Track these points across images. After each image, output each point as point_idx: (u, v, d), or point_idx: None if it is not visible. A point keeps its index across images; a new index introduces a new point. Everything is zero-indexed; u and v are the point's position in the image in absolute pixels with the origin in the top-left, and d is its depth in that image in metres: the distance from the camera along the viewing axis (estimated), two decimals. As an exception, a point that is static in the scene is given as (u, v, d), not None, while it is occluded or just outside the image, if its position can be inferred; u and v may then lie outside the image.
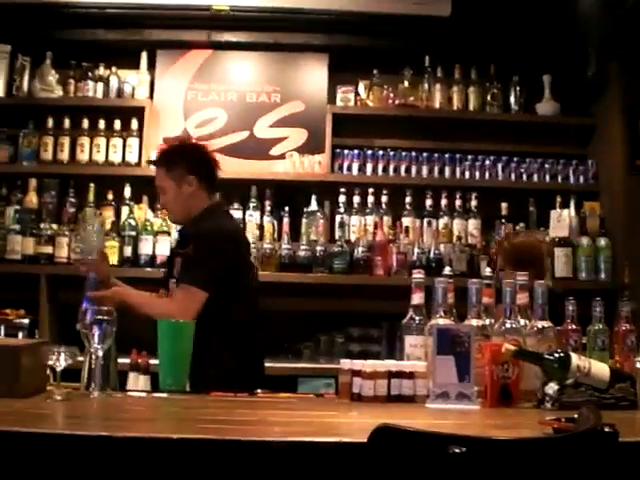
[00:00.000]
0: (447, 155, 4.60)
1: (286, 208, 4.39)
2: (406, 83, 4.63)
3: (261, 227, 4.35)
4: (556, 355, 2.25)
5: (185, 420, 1.96)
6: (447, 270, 2.53)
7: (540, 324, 2.39)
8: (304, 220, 4.40)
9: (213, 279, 2.90)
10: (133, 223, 4.30)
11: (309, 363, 4.24)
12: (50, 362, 2.20)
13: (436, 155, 4.58)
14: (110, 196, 4.41)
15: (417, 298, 2.45)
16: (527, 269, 2.63)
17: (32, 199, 4.42)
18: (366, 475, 1.38)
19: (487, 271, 2.47)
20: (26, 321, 3.96)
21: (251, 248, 3.55)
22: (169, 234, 4.24)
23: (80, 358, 2.30)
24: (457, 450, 1.33)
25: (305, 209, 4.43)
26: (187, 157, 3.17)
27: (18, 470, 1.64)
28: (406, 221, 4.44)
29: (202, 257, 2.95)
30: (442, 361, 2.24)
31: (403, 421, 1.90)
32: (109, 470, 1.60)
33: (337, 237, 4.36)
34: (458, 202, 4.49)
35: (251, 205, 4.38)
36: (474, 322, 2.35)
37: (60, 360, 2.18)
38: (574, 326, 2.51)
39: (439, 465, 1.37)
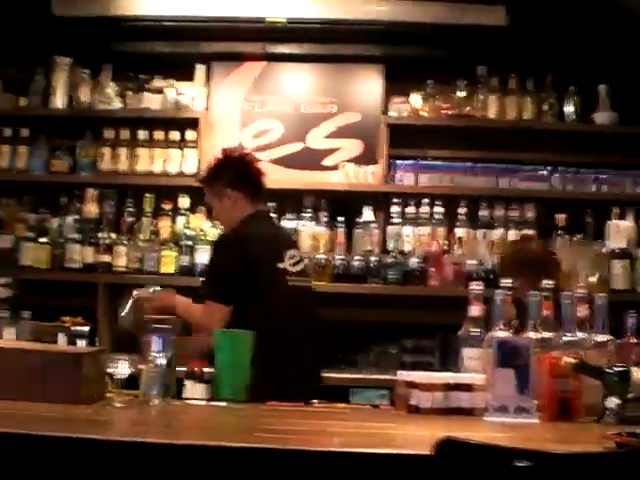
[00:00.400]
0: (502, 165, 4.56)
1: (340, 219, 4.40)
2: (461, 93, 4.60)
3: (315, 238, 4.36)
4: (616, 369, 2.21)
5: (244, 429, 1.97)
6: (506, 282, 2.50)
7: (600, 337, 2.36)
8: (358, 231, 4.40)
9: (222, 288, 3.09)
10: (189, 233, 4.35)
11: (362, 374, 4.23)
12: (110, 370, 2.24)
13: (491, 165, 4.54)
14: (167, 206, 4.48)
15: (475, 310, 2.44)
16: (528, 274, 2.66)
17: (91, 209, 4.50)
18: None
19: (546, 283, 2.43)
20: (86, 329, 4.02)
21: (287, 254, 3.33)
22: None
23: (140, 366, 2.33)
24: (522, 464, 1.32)
25: (359, 220, 4.43)
26: (225, 172, 3.34)
27: (80, 477, 1.67)
28: (460, 232, 4.41)
29: (208, 268, 3.38)
30: (501, 374, 2.22)
31: (463, 434, 1.90)
32: (170, 477, 1.62)
33: (391, 248, 4.35)
34: (513, 213, 4.45)
35: (305, 216, 4.40)
36: (533, 335, 2.33)
37: (120, 368, 2.22)
38: (635, 339, 2.47)
39: (503, 479, 1.35)
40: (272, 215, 4.00)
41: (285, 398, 2.48)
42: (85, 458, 1.67)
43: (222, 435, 1.90)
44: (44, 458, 1.68)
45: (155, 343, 2.28)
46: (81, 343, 3.10)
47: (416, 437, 1.55)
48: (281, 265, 3.17)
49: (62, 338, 3.12)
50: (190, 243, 4.33)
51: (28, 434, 1.69)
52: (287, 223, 4.34)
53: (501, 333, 2.33)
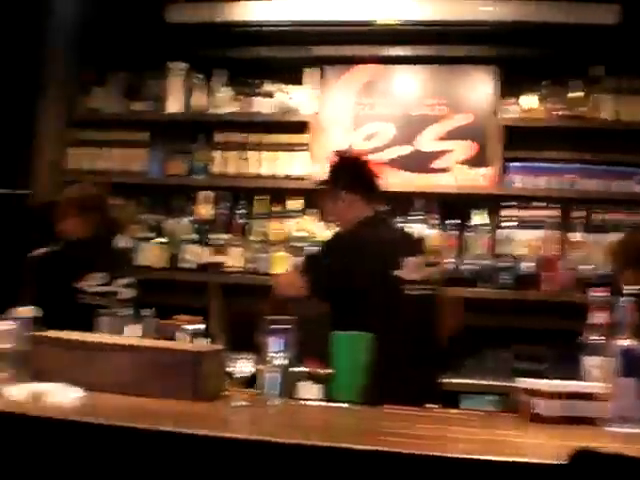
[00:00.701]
0: (617, 168, 4.42)
1: (451, 221, 4.36)
2: (574, 94, 4.49)
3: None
4: None
5: (366, 432, 1.98)
6: (629, 289, 2.42)
7: None
8: (469, 234, 4.36)
9: (322, 285, 3.15)
10: (301, 234, 4.40)
11: (472, 379, 4.18)
12: (230, 369, 2.29)
13: (605, 167, 4.42)
14: (278, 208, 4.54)
15: (597, 317, 2.38)
16: None
17: (205, 210, 4.61)
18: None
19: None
20: (201, 327, 4.11)
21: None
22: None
23: (258, 366, 2.37)
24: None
25: (470, 223, 4.39)
26: (340, 175, 3.34)
27: (200, 473, 1.70)
28: (575, 236, 4.31)
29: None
30: (624, 383, 2.16)
31: (588, 444, 1.86)
32: (290, 477, 1.64)
33: (503, 252, 4.28)
34: (628, 217, 4.31)
35: (415, 218, 4.38)
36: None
37: (240, 367, 2.27)
38: None
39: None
40: (391, 218, 3.95)
41: (399, 402, 2.47)
42: (207, 455, 1.71)
43: (344, 437, 1.92)
44: (165, 454, 1.74)
45: (275, 343, 2.31)
46: (200, 342, 3.16)
47: (540, 445, 1.52)
48: (395, 272, 3.11)
49: (180, 336, 3.18)
50: (301, 245, 4.37)
51: (152, 429, 1.74)
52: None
53: (625, 341, 2.26)
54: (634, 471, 1.33)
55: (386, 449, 1.58)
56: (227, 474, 1.71)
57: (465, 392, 4.08)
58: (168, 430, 1.77)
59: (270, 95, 4.74)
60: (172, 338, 3.40)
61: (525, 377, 2.40)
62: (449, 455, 1.55)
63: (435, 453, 1.56)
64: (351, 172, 3.34)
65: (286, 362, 2.34)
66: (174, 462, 1.74)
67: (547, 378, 2.53)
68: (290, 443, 1.64)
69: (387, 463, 1.57)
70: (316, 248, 3.55)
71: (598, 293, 2.40)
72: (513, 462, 1.49)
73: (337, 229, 3.43)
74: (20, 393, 2.09)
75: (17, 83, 4.97)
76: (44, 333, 2.47)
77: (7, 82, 5.15)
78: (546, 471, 1.44)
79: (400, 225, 4.15)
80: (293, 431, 1.97)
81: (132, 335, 2.94)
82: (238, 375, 2.27)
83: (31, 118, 4.79)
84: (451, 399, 4.00)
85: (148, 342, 2.64)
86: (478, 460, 1.51)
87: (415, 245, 3.38)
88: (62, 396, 2.12)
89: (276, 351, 2.32)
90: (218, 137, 4.72)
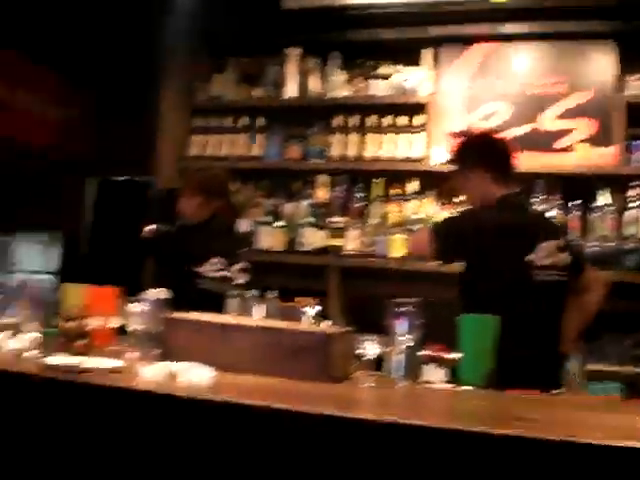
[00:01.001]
0: None
1: (574, 202, 4.24)
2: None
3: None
4: None
5: (498, 416, 1.96)
6: None
7: None
8: (593, 215, 4.23)
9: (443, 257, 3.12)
10: (419, 217, 4.37)
11: (593, 365, 4.06)
12: (359, 350, 2.31)
13: None
14: (395, 191, 4.53)
15: None
16: None
17: (323, 194, 4.65)
18: None
19: None
20: (320, 308, 4.16)
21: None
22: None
23: (387, 348, 2.37)
24: None
25: (594, 203, 4.26)
26: (469, 152, 3.20)
27: (329, 453, 1.72)
28: None
29: None
30: None
31: None
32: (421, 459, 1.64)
33: (629, 233, 4.14)
34: None
35: (538, 199, 4.28)
36: None
37: (368, 348, 2.29)
38: None
39: None
40: (527, 200, 3.88)
41: (524, 386, 2.44)
42: (335, 435, 1.73)
43: (476, 421, 1.90)
44: (297, 433, 1.76)
45: (401, 325, 2.32)
46: (322, 323, 3.21)
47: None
48: (528, 257, 3.02)
49: (304, 318, 3.23)
50: (419, 227, 4.35)
51: (285, 409, 1.77)
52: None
53: None
54: None
55: (523, 434, 1.56)
56: (354, 455, 1.72)
57: (588, 378, 3.96)
58: (300, 410, 1.79)
59: (386, 77, 4.73)
60: (293, 320, 3.47)
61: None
62: (593, 442, 1.51)
63: (576, 439, 1.53)
64: (479, 150, 3.20)
65: (412, 344, 2.34)
66: (306, 442, 1.77)
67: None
68: (419, 425, 1.64)
69: (522, 449, 1.55)
70: (453, 215, 3.41)
71: None
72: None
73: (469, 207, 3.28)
74: (155, 372, 2.16)
75: (140, 73, 5.15)
76: (176, 314, 2.55)
77: (130, 72, 5.35)
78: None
79: (538, 208, 4.12)
80: (421, 413, 1.97)
81: (257, 317, 3.00)
82: (366, 357, 2.29)
83: (154, 107, 4.94)
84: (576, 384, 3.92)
85: (278, 323, 2.68)
86: (623, 447, 1.47)
87: (552, 230, 3.21)
88: (196, 375, 2.18)
89: (402, 333, 2.32)
90: (335, 121, 4.75)
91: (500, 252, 2.97)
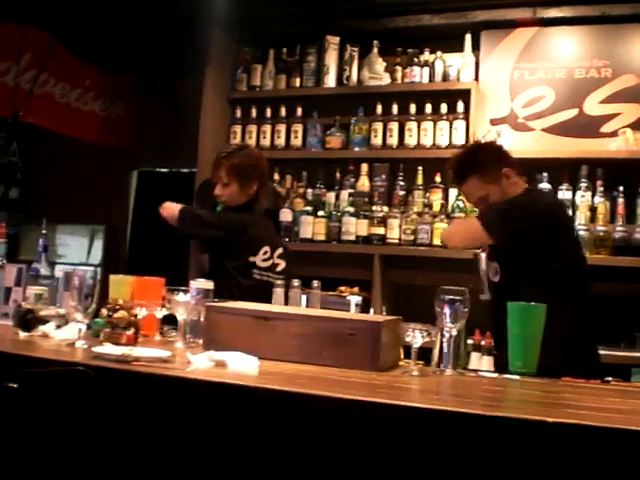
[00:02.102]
0: None
1: (620, 188, 4.17)
2: None
3: (593, 209, 4.17)
4: None
5: (549, 404, 1.94)
6: None
7: None
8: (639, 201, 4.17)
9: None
10: (462, 205, 4.34)
11: (642, 352, 4.02)
12: (407, 339, 2.30)
13: None
14: (438, 178, 4.51)
15: None
16: None
17: (364, 183, 4.64)
18: None
19: None
20: (362, 298, 4.16)
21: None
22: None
23: (432, 337, 2.36)
24: None
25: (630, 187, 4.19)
26: (486, 157, 3.17)
27: (377, 440, 1.72)
28: None
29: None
30: None
31: None
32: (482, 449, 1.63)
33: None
34: None
35: (582, 185, 4.23)
36: None
37: (417, 337, 2.27)
38: None
39: None
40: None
41: (575, 374, 2.41)
42: (384, 423, 1.72)
43: (528, 408, 1.89)
44: (345, 422, 1.76)
45: (447, 314, 2.30)
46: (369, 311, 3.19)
47: None
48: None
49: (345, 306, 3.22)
50: (462, 215, 4.32)
51: (335, 397, 1.77)
52: (563, 194, 4.20)
53: None
54: None
55: (577, 422, 1.54)
56: (403, 443, 1.71)
57: (636, 365, 3.91)
58: (352, 398, 1.79)
59: (427, 64, 4.69)
60: (336, 309, 3.46)
61: None
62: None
63: (630, 427, 1.51)
64: (493, 154, 3.21)
65: (457, 333, 2.32)
66: (358, 431, 1.76)
67: None
68: (470, 413, 1.63)
69: (577, 436, 1.53)
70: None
71: None
72: None
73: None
74: (204, 362, 2.17)
75: (181, 63, 5.17)
76: (221, 303, 2.56)
77: (171, 62, 5.37)
78: None
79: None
80: (468, 402, 1.96)
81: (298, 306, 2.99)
82: (415, 346, 2.28)
83: (195, 98, 4.96)
84: (622, 373, 3.86)
85: (325, 312, 2.68)
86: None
87: None
88: (244, 364, 2.19)
89: (448, 322, 2.30)
90: (377, 109, 4.72)
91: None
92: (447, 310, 2.32)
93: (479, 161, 3.15)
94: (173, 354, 2.22)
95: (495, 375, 2.42)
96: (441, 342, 2.35)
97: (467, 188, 3.18)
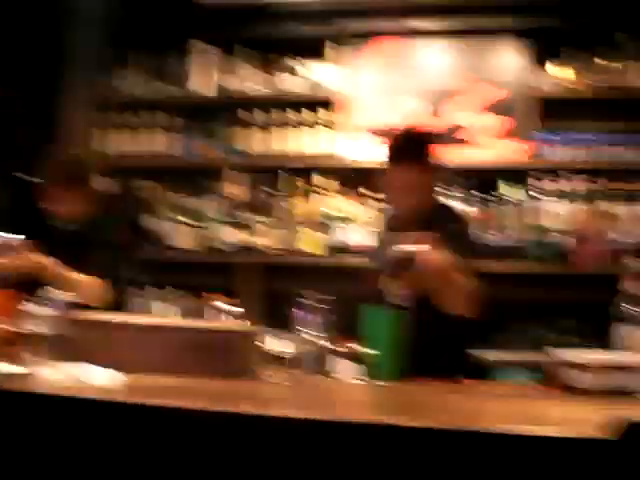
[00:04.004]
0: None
1: (483, 195, 4.32)
2: (607, 63, 4.40)
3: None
4: None
5: (421, 408, 1.95)
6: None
7: None
8: (509, 208, 4.32)
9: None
10: (329, 212, 4.38)
11: (506, 353, 4.15)
12: (267, 347, 2.30)
13: (625, 137, 4.34)
14: (304, 185, 4.53)
15: (630, 285, 2.35)
16: None
17: (233, 190, 4.60)
18: (609, 471, 1.33)
19: None
20: (233, 307, 4.11)
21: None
22: (363, 222, 4.30)
23: (293, 344, 2.37)
24: None
25: (510, 196, 4.35)
26: (424, 148, 2.99)
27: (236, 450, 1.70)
28: (608, 206, 4.25)
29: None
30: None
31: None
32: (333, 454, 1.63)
33: (535, 225, 4.24)
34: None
35: (454, 194, 4.31)
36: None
37: (279, 345, 2.27)
38: None
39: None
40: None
41: (430, 376, 2.46)
42: (246, 433, 1.71)
43: (380, 412, 1.91)
44: (203, 432, 1.74)
45: (311, 320, 2.31)
46: (234, 321, 3.16)
47: (583, 419, 1.49)
48: None
49: (215, 316, 3.17)
50: (329, 222, 4.37)
51: (195, 409, 1.75)
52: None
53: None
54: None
55: (420, 425, 1.57)
56: (266, 451, 1.70)
57: (498, 366, 4.04)
58: (209, 409, 1.76)
59: (294, 72, 4.70)
60: (205, 318, 3.40)
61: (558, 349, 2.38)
62: (492, 430, 1.53)
63: (474, 427, 1.55)
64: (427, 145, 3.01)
65: (322, 340, 2.33)
66: (213, 441, 1.74)
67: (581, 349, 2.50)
68: (325, 420, 1.63)
69: (422, 437, 1.56)
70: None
71: (632, 262, 2.36)
72: (558, 437, 1.47)
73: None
74: (58, 375, 2.10)
75: (40, 66, 4.97)
76: (81, 316, 2.48)
77: (30, 65, 5.16)
78: (592, 445, 1.42)
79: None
80: (328, 407, 1.96)
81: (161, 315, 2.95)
82: (275, 353, 2.27)
83: (56, 102, 4.79)
84: (485, 373, 3.99)
85: (184, 322, 2.64)
86: (522, 434, 1.48)
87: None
88: (99, 377, 2.13)
89: (313, 329, 2.31)
90: (243, 115, 4.70)
91: None
92: (310, 316, 2.33)
93: (432, 147, 3.00)
94: (28, 369, 2.14)
95: (357, 381, 2.43)
96: (306, 349, 2.35)
97: (415, 168, 2.91)
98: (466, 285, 2.63)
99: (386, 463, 1.61)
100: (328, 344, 2.42)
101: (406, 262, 2.41)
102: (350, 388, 2.34)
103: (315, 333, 2.33)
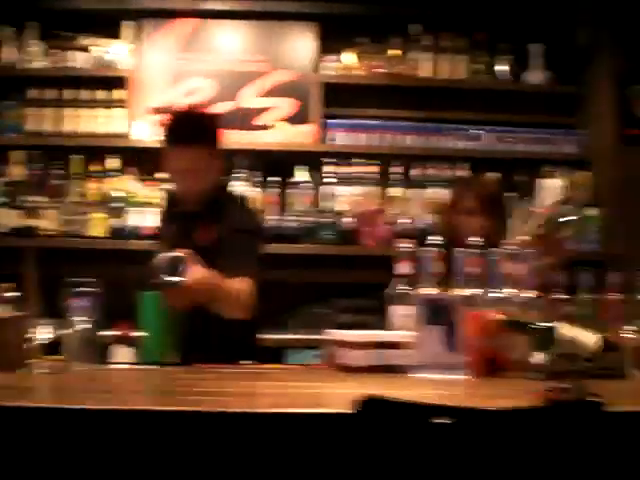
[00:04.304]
0: (435, 124, 4.56)
1: (273, 179, 4.36)
2: (394, 52, 4.58)
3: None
4: (543, 324, 2.23)
5: (169, 392, 1.94)
6: (433, 239, 2.51)
7: (528, 294, 2.38)
8: (291, 191, 4.37)
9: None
10: (119, 194, 4.26)
11: (297, 335, 4.23)
12: (33, 335, 2.19)
13: (424, 124, 4.55)
14: (96, 167, 4.37)
15: (402, 267, 2.44)
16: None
17: (17, 171, 4.37)
18: (352, 446, 1.37)
19: (474, 240, 2.44)
20: (14, 294, 3.91)
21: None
22: (156, 205, 4.20)
23: (64, 331, 2.28)
24: (442, 421, 1.31)
25: (292, 179, 4.40)
26: (215, 129, 2.96)
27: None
28: (394, 191, 4.42)
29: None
30: (429, 331, 2.23)
31: (390, 392, 1.90)
32: (90, 442, 1.59)
33: (325, 208, 4.33)
34: (446, 172, 4.48)
35: (238, 176, 4.33)
36: (461, 292, 2.33)
37: (43, 333, 2.17)
38: (562, 296, 2.50)
39: (424, 436, 1.35)
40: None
41: (214, 359, 2.45)
42: (9, 425, 1.62)
43: (145, 399, 1.87)
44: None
45: (77, 306, 2.22)
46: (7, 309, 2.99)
47: (344, 396, 1.53)
48: None
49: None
50: (120, 205, 4.24)
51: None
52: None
53: (428, 290, 2.33)
54: (419, 417, 1.36)
55: (185, 408, 1.55)
56: (25, 443, 1.62)
57: (291, 347, 4.11)
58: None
59: (86, 49, 4.52)
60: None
61: (347, 330, 2.43)
62: (243, 411, 1.54)
63: (231, 410, 1.55)
64: (211, 125, 2.99)
65: (91, 325, 2.25)
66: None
67: (368, 329, 2.57)
68: (92, 409, 1.57)
69: (188, 423, 1.54)
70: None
71: (403, 244, 2.45)
72: (304, 414, 1.50)
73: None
74: None
75: None
76: None
77: None
78: (334, 420, 1.46)
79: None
80: (98, 396, 1.90)
81: None
82: (40, 341, 2.17)
83: None
84: (277, 355, 4.04)
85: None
86: (271, 414, 1.50)
87: None
88: None
89: (80, 314, 2.23)
90: (31, 93, 4.46)
91: None
92: (78, 302, 2.24)
93: (214, 130, 2.93)
94: None
95: (128, 367, 2.39)
96: (73, 336, 2.26)
97: (195, 152, 2.82)
98: (235, 295, 2.59)
99: (149, 449, 1.58)
100: (97, 329, 2.34)
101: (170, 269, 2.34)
102: (118, 373, 2.28)
103: (90, 319, 2.25)
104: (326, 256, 4.31)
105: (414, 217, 4.32)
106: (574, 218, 2.74)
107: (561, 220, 2.65)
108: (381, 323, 2.63)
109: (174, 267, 2.31)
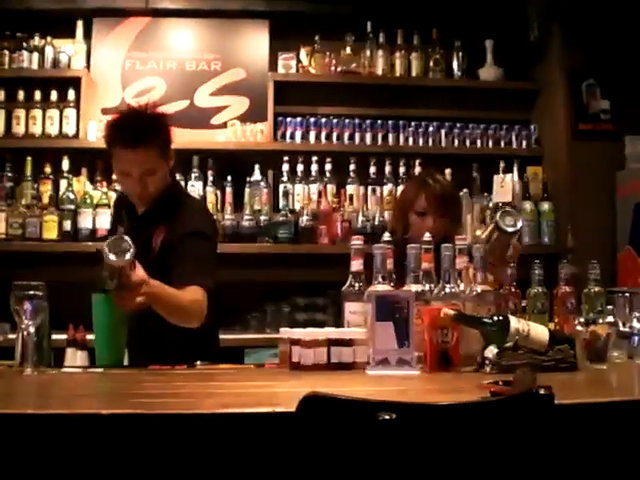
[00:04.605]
0: (390, 122, 4.57)
1: (229, 178, 4.33)
2: (348, 49, 4.58)
3: (204, 198, 4.26)
4: (495, 319, 2.24)
5: (118, 395, 1.91)
6: (386, 236, 2.51)
7: (479, 288, 2.38)
8: (247, 190, 4.35)
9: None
10: (72, 196, 4.20)
11: (255, 334, 4.21)
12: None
13: (379, 122, 4.55)
14: (48, 169, 4.31)
15: (356, 265, 2.43)
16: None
17: (-31, 174, 4.30)
18: (297, 444, 1.36)
19: (427, 236, 2.44)
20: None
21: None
22: (109, 207, 4.14)
23: (12, 335, 2.24)
24: (386, 417, 1.31)
25: (248, 178, 4.38)
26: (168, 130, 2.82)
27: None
28: (350, 189, 4.43)
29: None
30: (381, 327, 2.22)
31: (342, 389, 1.90)
32: (39, 448, 1.56)
33: (281, 206, 4.32)
34: (402, 169, 4.49)
35: (193, 176, 4.31)
36: (413, 287, 2.33)
37: (-7, 337, 2.13)
38: (513, 289, 2.51)
39: (369, 432, 1.34)
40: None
41: (168, 362, 2.42)
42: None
43: (95, 403, 1.84)
44: None
45: (26, 310, 2.18)
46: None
47: (293, 394, 1.52)
48: None
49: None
50: (73, 207, 4.19)
51: None
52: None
53: (380, 287, 2.33)
54: (363, 413, 1.35)
55: (129, 412, 1.52)
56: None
57: (249, 347, 4.08)
58: None
59: (37, 49, 4.46)
60: None
61: (304, 328, 2.42)
62: (187, 412, 1.52)
63: (172, 411, 1.53)
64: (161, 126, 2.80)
65: (39, 329, 2.21)
66: None
67: (326, 327, 2.56)
68: (39, 414, 1.54)
69: (135, 425, 1.52)
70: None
71: (356, 241, 2.44)
72: (247, 414, 1.48)
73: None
74: None
75: None
76: None
77: None
78: (278, 419, 1.45)
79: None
80: (47, 401, 1.87)
81: None
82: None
83: None
84: (236, 355, 4.01)
85: None
86: (216, 415, 1.48)
87: None
88: None
89: (28, 318, 2.18)
90: (-15, 96, 4.40)
91: None
92: (26, 305, 2.20)
93: (163, 129, 2.78)
94: None
95: (79, 370, 2.35)
96: (22, 340, 2.22)
97: (143, 154, 2.68)
98: (185, 305, 2.53)
99: (97, 454, 1.55)
100: (46, 332, 2.30)
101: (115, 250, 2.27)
102: (69, 378, 2.24)
103: (41, 322, 2.21)
104: (283, 255, 4.29)
105: (371, 215, 4.31)
106: (522, 226, 2.74)
107: (510, 231, 2.65)
108: (337, 320, 2.62)
109: (119, 247, 2.24)
